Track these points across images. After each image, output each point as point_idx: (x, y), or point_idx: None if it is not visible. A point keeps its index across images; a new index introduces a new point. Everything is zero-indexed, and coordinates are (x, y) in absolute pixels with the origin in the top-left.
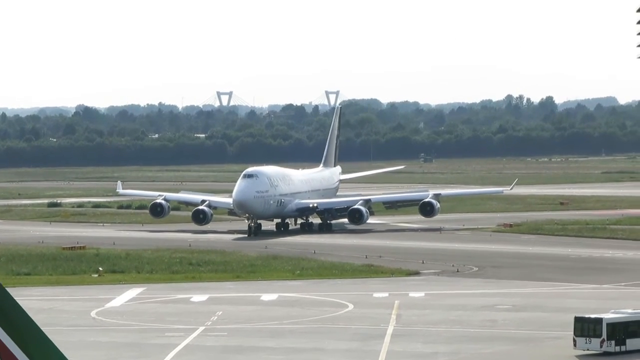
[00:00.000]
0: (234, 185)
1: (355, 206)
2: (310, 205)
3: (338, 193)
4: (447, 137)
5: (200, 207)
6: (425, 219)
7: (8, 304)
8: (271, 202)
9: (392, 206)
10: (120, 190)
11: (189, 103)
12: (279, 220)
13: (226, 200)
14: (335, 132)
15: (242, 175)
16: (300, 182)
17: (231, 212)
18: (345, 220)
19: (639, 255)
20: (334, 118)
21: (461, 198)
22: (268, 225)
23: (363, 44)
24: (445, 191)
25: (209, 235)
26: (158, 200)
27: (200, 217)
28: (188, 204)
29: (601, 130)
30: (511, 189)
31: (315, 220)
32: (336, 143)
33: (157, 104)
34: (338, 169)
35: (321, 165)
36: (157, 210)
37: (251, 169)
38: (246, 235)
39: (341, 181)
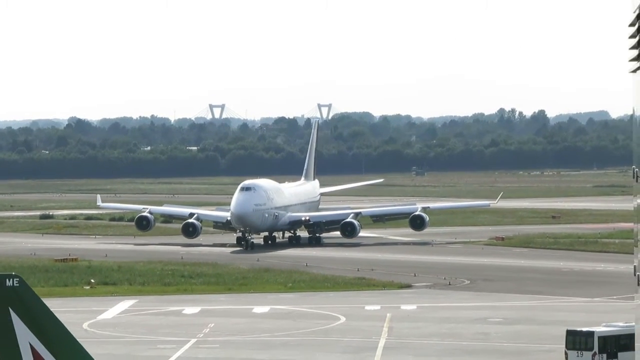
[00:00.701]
0: (225, 198)
1: (348, 219)
2: (303, 219)
3: (324, 206)
4: (439, 150)
5: (190, 221)
6: (415, 232)
7: (40, 311)
8: (266, 215)
9: (380, 219)
10: (100, 204)
11: (181, 116)
12: (266, 234)
13: (214, 213)
14: (314, 146)
15: (239, 188)
16: (290, 195)
17: (217, 226)
18: (333, 233)
19: (631, 269)
20: (312, 131)
21: (452, 211)
22: (255, 239)
23: (355, 57)
24: (434, 204)
25: (201, 248)
26: (144, 214)
27: (190, 230)
28: (174, 217)
29: (593, 144)
30: (496, 202)
31: (303, 233)
32: (315, 156)
33: (150, 116)
34: (317, 182)
35: (302, 178)
36: (142, 224)
37: (248, 182)
38: (241, 248)
39: (321, 194)
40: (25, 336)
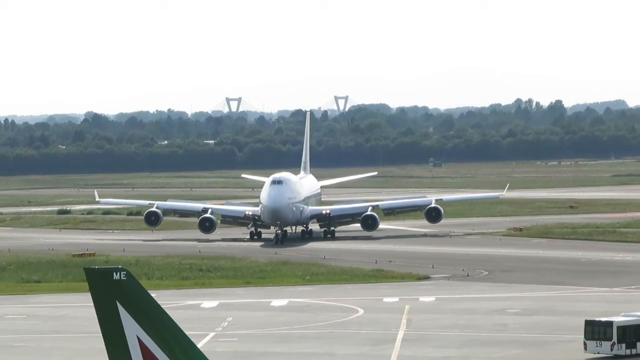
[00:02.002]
0: (243, 192)
1: (369, 212)
2: (323, 212)
3: (336, 199)
4: (456, 141)
5: (207, 216)
6: (432, 225)
7: (147, 304)
8: (295, 209)
9: (391, 212)
10: (99, 199)
11: (198, 109)
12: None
13: (230, 207)
14: (309, 138)
15: (270, 182)
16: (306, 188)
17: (225, 221)
18: (346, 227)
19: None
20: (306, 124)
21: (470, 202)
22: (265, 234)
23: (371, 49)
24: (445, 196)
25: (220, 242)
26: (153, 209)
27: (206, 226)
28: (184, 211)
29: (610, 133)
30: (504, 193)
31: (314, 226)
32: (310, 148)
33: (166, 110)
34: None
35: (302, 171)
36: (151, 219)
37: (278, 175)
38: (261, 243)
39: (321, 187)
40: (132, 329)
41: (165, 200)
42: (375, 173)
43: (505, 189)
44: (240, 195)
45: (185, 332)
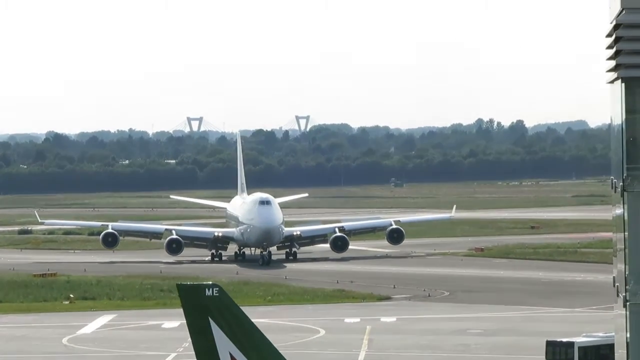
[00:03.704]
0: (203, 212)
1: (338, 234)
2: (294, 234)
3: (298, 219)
4: (417, 161)
5: (174, 237)
6: (393, 246)
7: (240, 321)
8: (280, 230)
9: (354, 233)
10: (41, 220)
11: (159, 129)
12: (236, 249)
13: (193, 229)
14: (242, 160)
15: (258, 202)
16: None
17: (195, 244)
18: (305, 248)
19: (610, 279)
20: (237, 146)
21: (431, 223)
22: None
23: (333, 69)
24: (402, 217)
25: (183, 263)
26: (109, 230)
27: (173, 247)
28: (143, 233)
29: (571, 153)
30: (453, 213)
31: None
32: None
33: (128, 129)
34: None
35: (244, 193)
36: (108, 241)
37: (264, 195)
38: (259, 263)
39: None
40: (225, 346)
41: (121, 220)
42: (307, 195)
43: (453, 210)
44: (203, 215)
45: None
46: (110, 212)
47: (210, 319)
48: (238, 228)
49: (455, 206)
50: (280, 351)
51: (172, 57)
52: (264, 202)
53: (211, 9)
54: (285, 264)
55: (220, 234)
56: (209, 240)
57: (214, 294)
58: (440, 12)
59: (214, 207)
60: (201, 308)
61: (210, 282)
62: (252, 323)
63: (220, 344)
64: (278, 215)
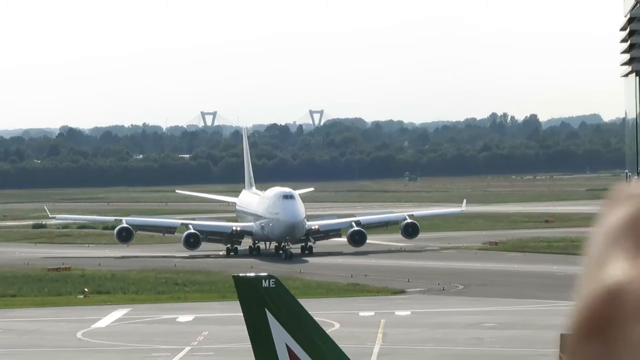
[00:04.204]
0: (217, 206)
1: (357, 228)
2: (313, 228)
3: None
4: (431, 155)
5: (192, 231)
6: (407, 240)
7: (296, 312)
8: (304, 224)
9: (369, 228)
10: (54, 215)
11: (173, 123)
12: (251, 244)
13: (210, 223)
14: (249, 154)
15: (282, 196)
16: None
17: (209, 239)
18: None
19: None
20: (244, 140)
21: (445, 216)
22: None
23: (347, 63)
24: (416, 212)
25: (197, 257)
26: (125, 225)
27: (191, 241)
28: (157, 227)
29: (585, 147)
30: (463, 208)
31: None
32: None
33: (142, 124)
34: None
35: (251, 187)
36: (122, 235)
37: (287, 190)
38: (282, 258)
39: None
40: (281, 338)
41: (136, 215)
42: (312, 189)
43: (464, 204)
44: (216, 209)
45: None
46: (124, 207)
47: (266, 310)
48: (257, 222)
49: (465, 200)
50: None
51: (185, 52)
52: (288, 196)
53: (224, 3)
54: (306, 259)
55: (238, 229)
56: (224, 234)
57: (270, 285)
58: (453, 6)
59: (220, 202)
60: (257, 299)
61: (267, 274)
62: (308, 315)
63: (276, 336)
64: (302, 210)
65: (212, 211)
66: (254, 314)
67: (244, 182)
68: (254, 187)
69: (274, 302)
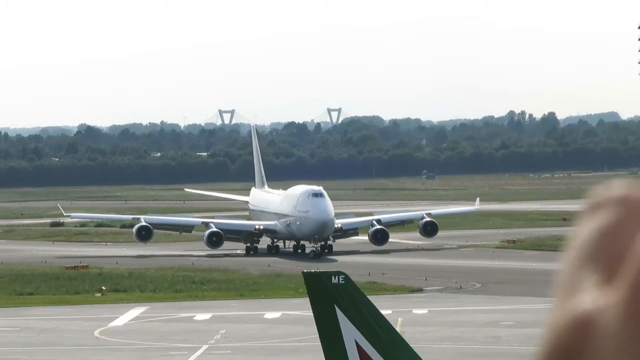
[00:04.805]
0: (235, 205)
1: (379, 226)
2: (337, 226)
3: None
4: (449, 154)
5: (214, 230)
6: (424, 238)
7: (366, 309)
8: (334, 223)
9: (388, 226)
10: (66, 214)
11: (191, 121)
12: (269, 242)
13: (232, 222)
14: (259, 152)
15: (311, 194)
16: None
17: (229, 238)
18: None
19: None
20: (253, 138)
21: (462, 215)
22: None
23: (364, 61)
24: (433, 210)
25: (215, 257)
26: (144, 223)
27: (213, 240)
28: (176, 226)
29: (603, 145)
30: (476, 206)
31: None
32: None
33: (159, 122)
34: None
35: (266, 186)
36: (142, 234)
37: (316, 188)
38: (310, 257)
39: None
40: (351, 334)
41: (153, 213)
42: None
43: (477, 203)
44: (233, 208)
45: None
46: (141, 205)
47: (336, 306)
48: (282, 221)
49: (478, 199)
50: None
51: (203, 50)
52: (318, 195)
53: (242, 2)
54: (333, 257)
55: (261, 227)
56: (243, 233)
57: (340, 281)
58: (471, 4)
59: (230, 200)
60: (327, 296)
61: (336, 270)
62: (378, 311)
63: (346, 332)
64: (332, 208)
65: (230, 209)
66: (323, 310)
67: (262, 180)
68: (266, 186)
69: (344, 299)
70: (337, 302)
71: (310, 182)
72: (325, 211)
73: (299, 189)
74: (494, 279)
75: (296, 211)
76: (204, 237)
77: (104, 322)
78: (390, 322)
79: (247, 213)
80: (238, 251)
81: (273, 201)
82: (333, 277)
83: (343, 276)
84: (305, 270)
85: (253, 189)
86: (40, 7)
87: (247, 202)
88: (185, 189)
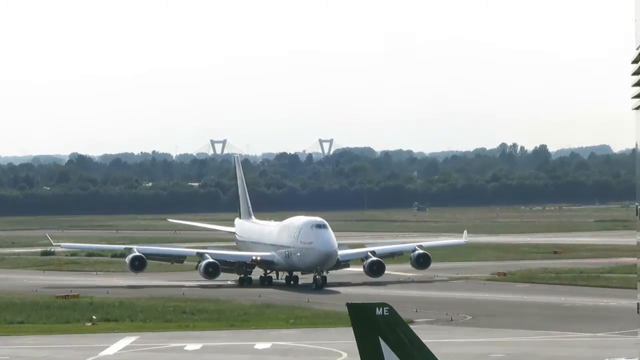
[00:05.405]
0: (226, 235)
1: (374, 258)
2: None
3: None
4: (440, 185)
5: (211, 261)
6: (415, 270)
7: (410, 341)
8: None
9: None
10: (59, 243)
11: (183, 151)
12: (262, 273)
13: (228, 252)
14: (245, 181)
15: (314, 226)
16: None
17: (224, 269)
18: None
19: (633, 304)
20: (237, 168)
21: (453, 247)
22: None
23: (356, 92)
24: (425, 242)
25: (207, 287)
26: (137, 253)
27: (210, 271)
28: (169, 256)
29: (595, 178)
30: (464, 239)
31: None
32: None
33: (151, 152)
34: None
35: (252, 217)
36: (135, 264)
37: (318, 219)
38: (312, 287)
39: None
40: None
41: (145, 243)
42: None
43: (464, 235)
44: (222, 238)
45: None
46: (133, 234)
47: (380, 338)
48: (280, 252)
49: (466, 231)
50: None
51: (195, 80)
52: (321, 226)
53: (235, 31)
54: (336, 289)
55: (258, 258)
56: (236, 264)
57: (384, 313)
58: (464, 32)
59: (214, 231)
60: (371, 327)
61: (380, 302)
62: (422, 343)
63: None
64: (335, 239)
65: (219, 239)
66: (368, 341)
67: (254, 210)
68: (253, 217)
69: (388, 330)
70: (381, 333)
71: (302, 213)
72: (329, 242)
73: (299, 220)
74: (485, 312)
75: (298, 242)
76: (200, 268)
77: (95, 352)
78: (434, 354)
79: (234, 243)
80: (229, 282)
81: (268, 232)
82: (377, 309)
83: (387, 308)
84: (349, 302)
85: (237, 219)
86: (31, 34)
87: (233, 232)
88: (169, 219)
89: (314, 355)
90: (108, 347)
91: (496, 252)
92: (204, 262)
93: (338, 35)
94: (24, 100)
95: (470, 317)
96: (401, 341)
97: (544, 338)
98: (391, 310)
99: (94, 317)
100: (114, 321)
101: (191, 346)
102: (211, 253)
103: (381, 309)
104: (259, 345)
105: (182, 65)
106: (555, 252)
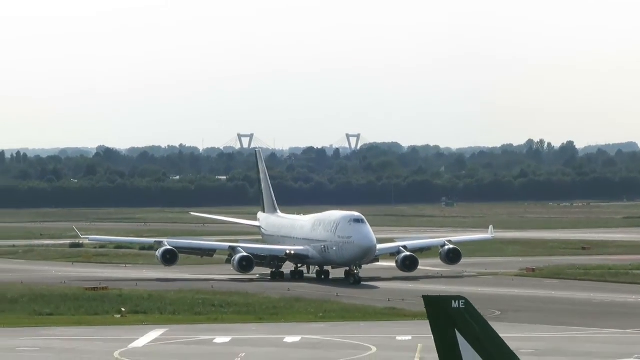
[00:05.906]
0: (253, 229)
1: (407, 253)
2: None
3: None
4: (468, 181)
5: (245, 255)
6: (444, 265)
7: (487, 334)
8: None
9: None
10: (88, 236)
11: (210, 145)
12: (292, 268)
13: (260, 246)
14: (267, 176)
15: (352, 220)
16: None
17: (258, 263)
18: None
19: None
20: (260, 162)
21: (482, 242)
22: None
23: (384, 87)
24: (454, 238)
25: (236, 281)
26: (169, 247)
27: (244, 265)
28: (200, 250)
29: (622, 175)
30: (490, 234)
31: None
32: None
33: (178, 145)
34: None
35: (278, 211)
36: (167, 258)
37: (356, 213)
38: (350, 282)
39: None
40: (470, 358)
41: (172, 236)
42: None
43: (490, 230)
44: (250, 232)
45: None
46: (161, 227)
47: (456, 331)
48: (315, 246)
49: (492, 226)
50: None
51: (222, 74)
52: (359, 220)
53: (263, 28)
54: (374, 284)
55: (292, 252)
56: (268, 257)
57: (460, 305)
58: (491, 32)
59: (239, 224)
60: (448, 320)
61: (457, 295)
62: (498, 336)
63: (466, 356)
64: (373, 234)
65: (247, 233)
66: (444, 333)
67: (280, 203)
68: (278, 211)
69: (464, 323)
70: (457, 326)
71: (330, 208)
72: (369, 237)
73: (336, 214)
74: (513, 307)
75: (336, 237)
76: (234, 262)
77: (124, 344)
78: (510, 348)
79: (260, 237)
80: (257, 276)
81: (300, 227)
82: (453, 302)
83: (463, 301)
84: (425, 294)
85: (261, 213)
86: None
87: (257, 226)
88: (192, 213)
89: (343, 349)
90: (137, 339)
91: (524, 248)
92: (237, 256)
93: (367, 30)
94: (52, 93)
95: (499, 313)
96: (478, 335)
97: (573, 334)
98: (467, 303)
99: (123, 309)
100: (142, 313)
101: (220, 339)
102: (244, 247)
103: (457, 301)
104: (289, 339)
105: (210, 59)
106: (583, 248)
